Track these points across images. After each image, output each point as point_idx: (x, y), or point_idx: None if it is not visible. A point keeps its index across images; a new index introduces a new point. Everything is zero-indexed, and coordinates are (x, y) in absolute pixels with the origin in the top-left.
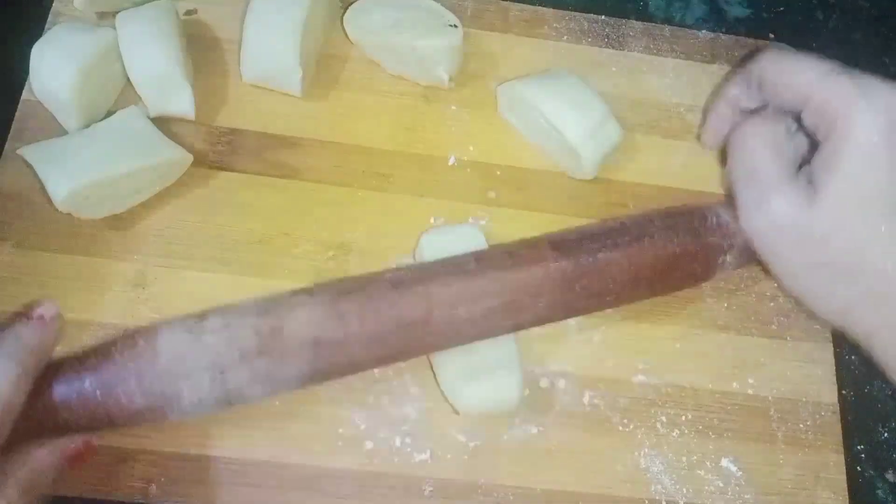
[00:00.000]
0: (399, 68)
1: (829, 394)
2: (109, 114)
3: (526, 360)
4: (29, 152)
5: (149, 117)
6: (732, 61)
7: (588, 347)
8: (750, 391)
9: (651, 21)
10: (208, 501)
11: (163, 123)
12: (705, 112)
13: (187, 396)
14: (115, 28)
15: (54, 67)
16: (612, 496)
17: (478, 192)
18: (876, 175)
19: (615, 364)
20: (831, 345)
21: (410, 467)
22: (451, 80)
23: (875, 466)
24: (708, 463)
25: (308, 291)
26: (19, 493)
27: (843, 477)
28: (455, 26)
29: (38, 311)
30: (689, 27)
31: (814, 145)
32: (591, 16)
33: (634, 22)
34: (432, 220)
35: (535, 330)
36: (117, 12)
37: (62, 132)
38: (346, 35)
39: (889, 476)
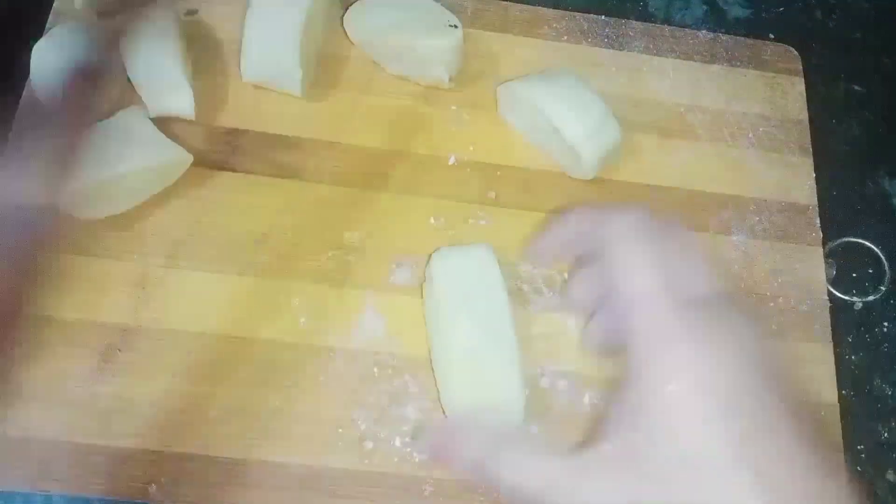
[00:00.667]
0: (399, 68)
1: (829, 394)
2: (109, 114)
3: (526, 360)
4: None
5: (149, 117)
6: (732, 61)
7: None
8: None
9: (651, 21)
10: (208, 501)
11: (163, 123)
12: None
13: None
14: (115, 28)
15: (54, 67)
16: None
17: (478, 192)
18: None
19: (615, 364)
20: (831, 345)
21: (410, 467)
22: (451, 80)
23: (875, 466)
24: None
25: None
26: None
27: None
28: (455, 26)
29: None
30: (689, 27)
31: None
32: (591, 16)
33: (634, 22)
34: (432, 220)
35: (536, 329)
36: (117, 12)
37: None
38: (346, 35)
39: (889, 476)
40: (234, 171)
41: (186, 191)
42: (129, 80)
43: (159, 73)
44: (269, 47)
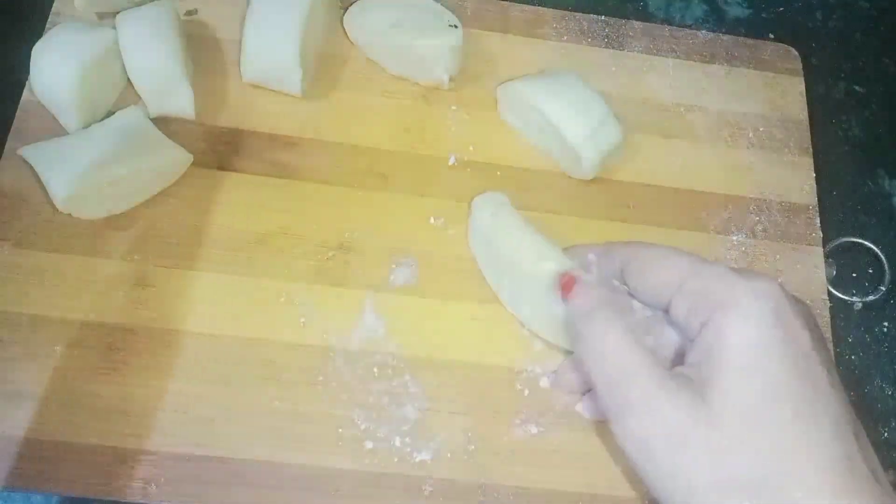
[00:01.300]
0: (399, 68)
1: None
2: (109, 114)
3: (526, 360)
4: (29, 152)
5: (149, 117)
6: (732, 61)
7: None
8: None
9: (651, 21)
10: (208, 501)
11: (163, 123)
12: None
13: None
14: (115, 28)
15: (54, 67)
16: (612, 496)
17: (478, 192)
18: (771, 367)
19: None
20: (831, 345)
21: (410, 467)
22: (451, 80)
23: None
24: None
25: None
26: None
27: None
28: (455, 26)
29: None
30: (689, 27)
31: (681, 349)
32: (591, 16)
33: (634, 22)
34: (432, 220)
35: (535, 330)
36: (117, 12)
37: (62, 132)
38: (346, 35)
39: (889, 476)
40: (234, 171)
41: (186, 191)
42: (129, 80)
43: (159, 73)
44: (269, 47)
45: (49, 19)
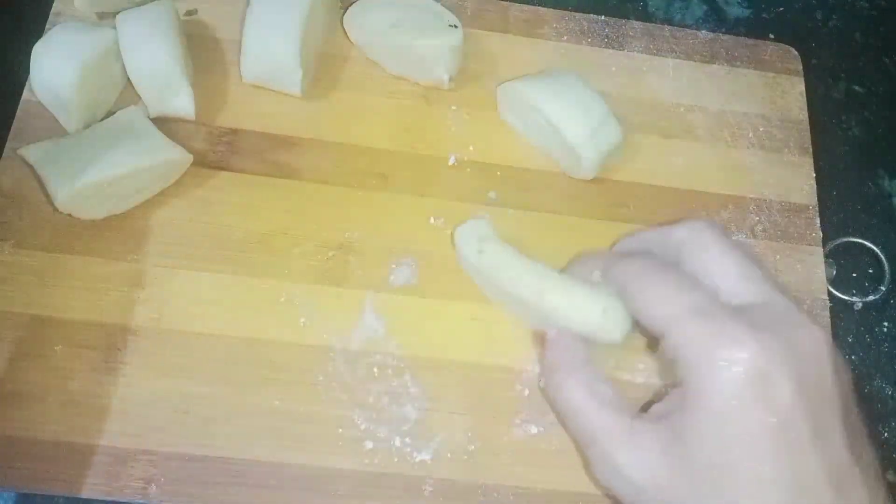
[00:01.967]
0: (399, 68)
1: None
2: (109, 114)
3: (526, 360)
4: (29, 152)
5: (149, 117)
6: (732, 61)
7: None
8: None
9: (651, 21)
10: (208, 501)
11: (163, 123)
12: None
13: None
14: (115, 28)
15: (54, 67)
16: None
17: (478, 192)
18: (742, 424)
19: (616, 364)
20: None
21: (410, 467)
22: (451, 80)
23: None
24: None
25: None
26: None
27: None
28: (455, 26)
29: None
30: (689, 27)
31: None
32: (591, 16)
33: (634, 22)
34: (432, 220)
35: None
36: (117, 12)
37: (62, 132)
38: (346, 35)
39: (889, 476)
40: (234, 171)
41: (186, 191)
42: (129, 80)
43: (159, 73)
44: (269, 47)
45: (49, 19)
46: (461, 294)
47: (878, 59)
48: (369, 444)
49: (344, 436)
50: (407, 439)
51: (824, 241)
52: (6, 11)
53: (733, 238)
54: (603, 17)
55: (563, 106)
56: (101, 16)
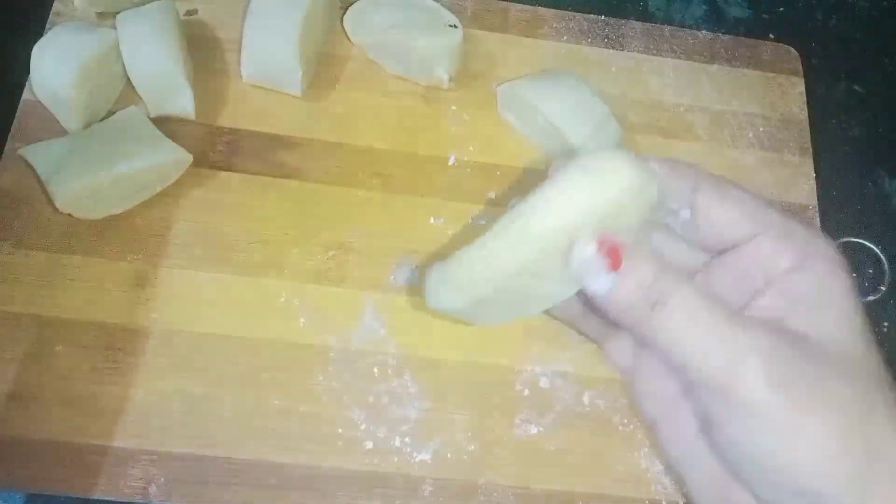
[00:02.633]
0: (399, 68)
1: None
2: (109, 114)
3: (526, 360)
4: (29, 152)
5: (149, 117)
6: (732, 61)
7: (588, 347)
8: None
9: (651, 21)
10: (208, 501)
11: (163, 123)
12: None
13: None
14: (115, 28)
15: (54, 67)
16: (612, 496)
17: (478, 192)
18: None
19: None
20: None
21: (410, 467)
22: (451, 80)
23: None
24: None
25: None
26: None
27: None
28: (455, 26)
29: None
30: (689, 27)
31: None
32: (591, 16)
33: (634, 22)
34: (432, 220)
35: (536, 330)
36: (117, 12)
37: (62, 132)
38: (346, 35)
39: None
40: (233, 171)
41: (186, 191)
42: (129, 80)
43: (159, 73)
44: (268, 47)
45: (49, 19)
46: None
47: (879, 60)
48: (369, 444)
49: (344, 436)
50: (407, 439)
51: None
52: (6, 11)
53: None
54: (603, 17)
55: (563, 106)
56: (101, 16)
